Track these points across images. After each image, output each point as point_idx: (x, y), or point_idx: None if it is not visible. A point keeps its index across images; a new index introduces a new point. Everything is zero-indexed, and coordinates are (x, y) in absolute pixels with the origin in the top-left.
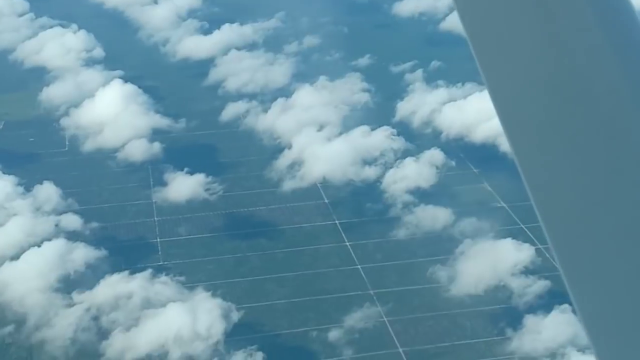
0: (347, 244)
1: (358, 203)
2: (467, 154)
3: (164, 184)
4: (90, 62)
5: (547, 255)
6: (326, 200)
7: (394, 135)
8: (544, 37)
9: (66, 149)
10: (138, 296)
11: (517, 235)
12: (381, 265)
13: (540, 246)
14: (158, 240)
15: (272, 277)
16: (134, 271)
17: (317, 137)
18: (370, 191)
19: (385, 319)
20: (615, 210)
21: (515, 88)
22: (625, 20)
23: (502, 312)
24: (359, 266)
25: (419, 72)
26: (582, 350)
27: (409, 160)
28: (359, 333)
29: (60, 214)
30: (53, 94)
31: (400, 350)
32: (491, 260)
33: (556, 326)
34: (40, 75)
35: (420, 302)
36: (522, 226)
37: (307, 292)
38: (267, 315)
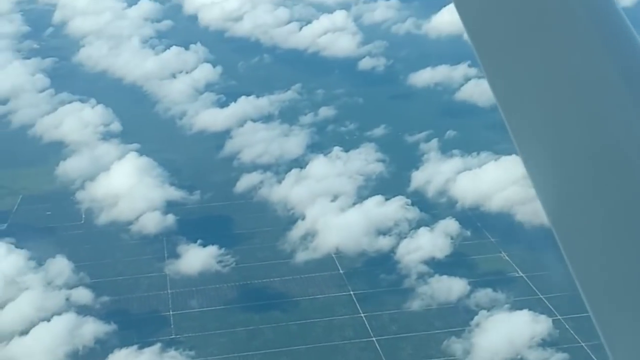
0: (362, 315)
1: (372, 274)
2: (483, 223)
3: (177, 256)
4: (107, 136)
5: (567, 326)
6: (341, 271)
7: (408, 205)
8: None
9: (82, 222)
10: None
11: (535, 305)
12: (396, 338)
13: (559, 317)
14: (171, 313)
15: (285, 350)
16: (143, 345)
17: (331, 207)
18: (384, 261)
19: None
20: None
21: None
22: None
23: None
24: (373, 338)
25: (434, 142)
26: None
27: (423, 230)
28: None
29: (72, 288)
30: (70, 167)
31: None
32: (507, 333)
33: None
34: (58, 150)
35: None
36: (541, 296)
37: None
38: None
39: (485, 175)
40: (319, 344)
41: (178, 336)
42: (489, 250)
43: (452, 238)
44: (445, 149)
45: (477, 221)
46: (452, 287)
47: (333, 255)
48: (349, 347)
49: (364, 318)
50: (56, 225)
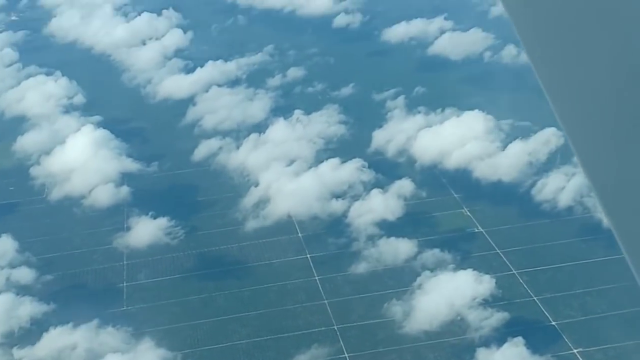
0: (316, 278)
1: (326, 237)
2: (444, 180)
3: (129, 228)
4: (69, 109)
5: (520, 280)
6: (300, 235)
7: (364, 167)
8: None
9: (44, 196)
10: (82, 348)
11: (492, 260)
12: (348, 300)
13: (514, 271)
14: (124, 284)
15: (235, 317)
16: (81, 322)
17: (286, 172)
18: (338, 225)
19: (346, 355)
20: None
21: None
22: None
23: (456, 346)
24: (325, 301)
25: (401, 99)
26: None
27: (375, 192)
28: None
29: (15, 267)
30: (27, 142)
31: None
32: (449, 293)
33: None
34: (20, 124)
35: (383, 336)
36: (498, 251)
37: (270, 330)
38: (226, 357)
39: (445, 132)
40: (271, 309)
41: (129, 308)
42: (450, 207)
43: (405, 199)
44: (412, 106)
45: (438, 179)
46: (403, 248)
47: (293, 219)
48: (300, 311)
49: (317, 281)
50: (16, 201)
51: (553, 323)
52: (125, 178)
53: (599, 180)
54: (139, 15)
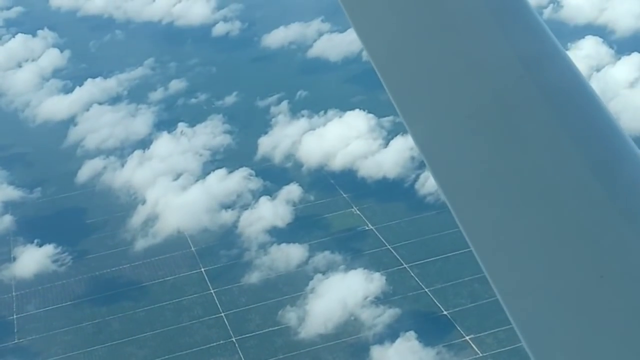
0: (212, 291)
1: (219, 249)
2: (332, 181)
3: (15, 259)
4: None
5: (412, 273)
6: (192, 249)
7: (252, 175)
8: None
9: None
10: None
11: (383, 256)
12: (244, 310)
13: (404, 265)
14: (14, 317)
15: (131, 340)
16: None
17: (173, 187)
18: (229, 236)
19: None
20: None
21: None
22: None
23: (352, 345)
24: (222, 314)
25: (284, 104)
26: None
27: (264, 200)
28: None
29: None
30: None
31: None
32: (342, 294)
33: (400, 355)
34: None
35: (281, 343)
36: (389, 247)
37: (168, 349)
38: None
39: (329, 134)
40: (168, 327)
41: (21, 340)
42: (340, 207)
43: (294, 204)
44: (295, 111)
45: (326, 180)
46: (294, 253)
47: (184, 234)
48: (198, 326)
49: (213, 294)
50: None
51: (445, 312)
52: (7, 207)
53: (444, 179)
54: (14, 37)
